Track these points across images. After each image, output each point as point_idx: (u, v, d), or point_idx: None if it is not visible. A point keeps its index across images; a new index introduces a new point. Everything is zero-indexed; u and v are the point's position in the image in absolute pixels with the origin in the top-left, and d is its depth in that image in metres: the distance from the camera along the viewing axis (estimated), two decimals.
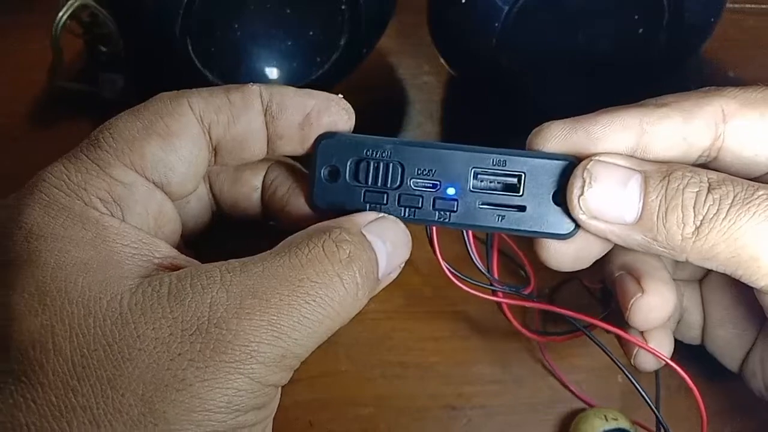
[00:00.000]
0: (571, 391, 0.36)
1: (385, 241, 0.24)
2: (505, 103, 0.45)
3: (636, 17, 0.41)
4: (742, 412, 0.35)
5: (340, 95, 0.26)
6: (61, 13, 0.39)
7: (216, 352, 0.20)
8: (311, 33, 0.43)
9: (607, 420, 0.33)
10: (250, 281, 0.21)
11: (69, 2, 0.39)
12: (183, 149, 0.24)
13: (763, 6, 0.53)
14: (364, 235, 0.23)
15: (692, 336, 0.32)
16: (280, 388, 0.22)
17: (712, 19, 0.42)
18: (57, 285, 0.20)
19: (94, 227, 0.21)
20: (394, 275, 0.25)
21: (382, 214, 0.25)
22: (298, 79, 0.43)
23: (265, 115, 0.25)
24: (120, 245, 0.21)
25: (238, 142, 0.25)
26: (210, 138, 0.24)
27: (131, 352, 0.19)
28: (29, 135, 0.46)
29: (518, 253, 0.33)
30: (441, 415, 0.36)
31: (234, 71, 0.42)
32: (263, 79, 0.43)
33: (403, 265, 0.25)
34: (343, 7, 0.40)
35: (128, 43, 0.42)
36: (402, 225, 0.25)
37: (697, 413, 0.28)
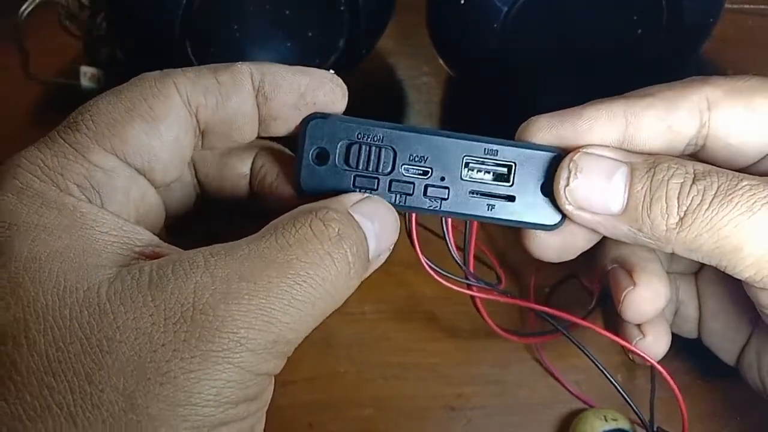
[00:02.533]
0: (570, 391, 0.36)
1: (374, 221, 0.23)
2: (504, 103, 0.45)
3: (635, 17, 0.41)
4: (741, 411, 0.35)
5: (332, 71, 0.25)
6: (21, 10, 0.39)
7: (202, 341, 0.18)
8: (310, 34, 0.43)
9: (606, 420, 0.33)
10: (236, 264, 0.20)
11: (29, 0, 0.39)
12: (168, 134, 0.22)
13: (763, 6, 0.53)
14: (352, 215, 0.23)
15: (689, 329, 0.33)
16: (273, 378, 0.21)
17: (711, 20, 0.42)
18: (30, 276, 0.19)
19: (70, 214, 0.20)
20: (383, 257, 0.24)
21: (367, 195, 0.24)
22: None
23: (257, 95, 0.24)
24: (98, 233, 0.20)
25: (227, 125, 0.24)
26: (197, 121, 0.23)
27: (110, 344, 0.18)
28: (28, 135, 0.46)
29: (488, 255, 0.33)
30: (441, 416, 0.36)
31: None
32: None
33: (392, 247, 0.24)
34: (342, 7, 0.40)
35: (128, 43, 0.42)
36: (389, 205, 0.24)
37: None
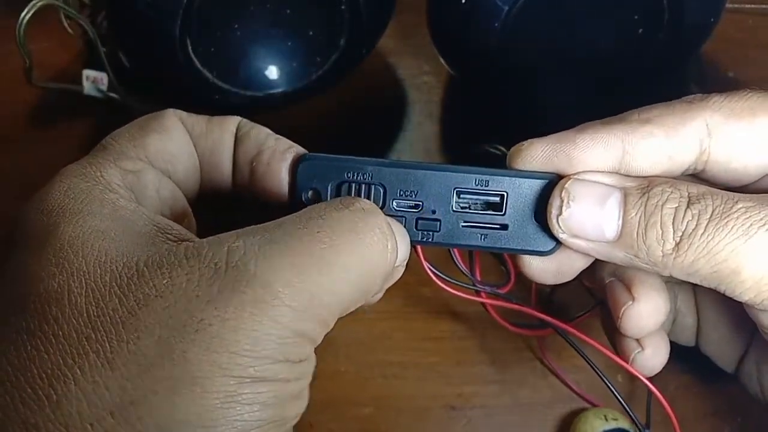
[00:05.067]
0: (571, 390, 0.36)
1: (395, 228, 0.23)
2: (504, 102, 0.45)
3: (636, 17, 0.41)
4: (742, 412, 0.35)
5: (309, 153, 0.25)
6: (23, 14, 0.38)
7: (236, 292, 0.19)
8: (311, 33, 0.43)
9: (607, 420, 0.33)
10: (267, 233, 0.21)
11: (31, 3, 0.38)
12: (179, 140, 0.25)
13: (763, 6, 0.53)
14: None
15: (687, 338, 0.32)
16: (314, 353, 0.21)
17: (712, 19, 0.42)
18: (74, 249, 0.20)
19: (111, 205, 0.22)
20: (401, 270, 0.24)
21: None
22: (298, 79, 0.43)
23: (235, 141, 0.26)
24: (135, 224, 0.22)
25: (207, 156, 0.26)
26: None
27: (146, 299, 0.19)
28: (30, 137, 0.46)
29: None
30: (441, 415, 0.36)
31: (234, 71, 0.42)
32: (263, 79, 0.43)
33: (405, 263, 0.25)
34: (343, 7, 0.40)
35: (128, 43, 0.42)
36: (400, 224, 0.25)
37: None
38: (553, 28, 0.41)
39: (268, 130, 0.26)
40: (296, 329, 0.20)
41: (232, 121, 0.26)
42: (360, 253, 0.21)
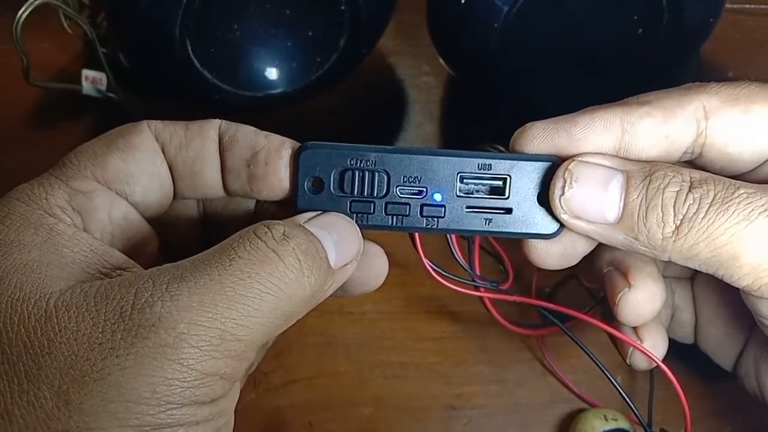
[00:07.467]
0: (571, 390, 0.36)
1: (330, 232, 0.23)
2: (504, 103, 0.45)
3: (635, 17, 0.41)
4: (742, 411, 0.35)
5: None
6: (20, 13, 0.38)
7: (138, 338, 0.19)
8: (311, 33, 0.43)
9: (606, 420, 0.33)
10: (178, 271, 0.20)
11: (28, 2, 0.38)
12: (144, 161, 0.24)
13: (763, 6, 0.53)
14: (302, 225, 0.23)
15: (684, 334, 0.32)
16: (235, 385, 0.21)
17: (712, 20, 0.42)
18: None
19: (45, 233, 0.21)
20: (351, 268, 0.24)
21: (320, 212, 0.24)
22: (298, 79, 0.43)
23: (219, 146, 0.25)
24: (69, 251, 0.21)
25: (189, 166, 0.25)
26: (165, 157, 0.25)
27: (51, 345, 0.19)
28: (28, 137, 0.46)
29: (498, 250, 0.33)
30: (441, 415, 0.36)
31: (234, 71, 0.42)
32: (263, 80, 0.43)
33: (358, 258, 0.24)
34: (343, 7, 0.40)
35: (128, 43, 0.42)
36: (346, 218, 0.24)
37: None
38: (553, 28, 0.41)
39: (254, 129, 0.25)
40: (205, 370, 0.19)
41: (213, 126, 0.25)
42: (273, 281, 0.21)
